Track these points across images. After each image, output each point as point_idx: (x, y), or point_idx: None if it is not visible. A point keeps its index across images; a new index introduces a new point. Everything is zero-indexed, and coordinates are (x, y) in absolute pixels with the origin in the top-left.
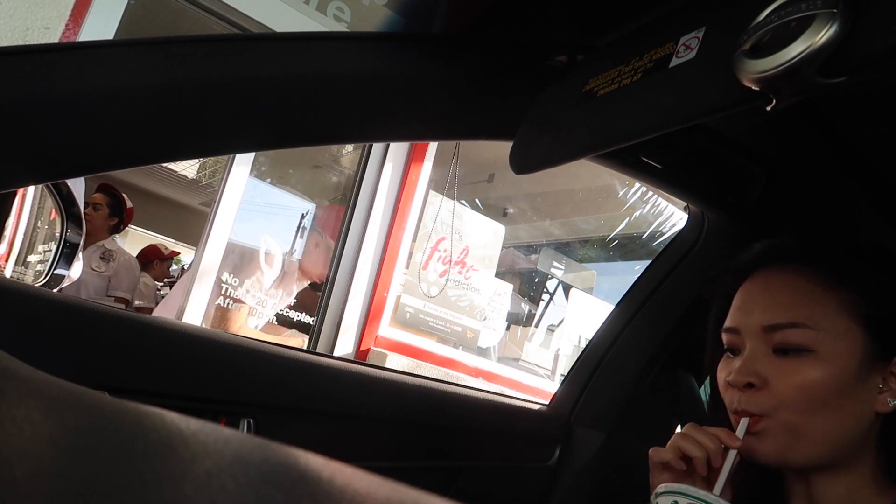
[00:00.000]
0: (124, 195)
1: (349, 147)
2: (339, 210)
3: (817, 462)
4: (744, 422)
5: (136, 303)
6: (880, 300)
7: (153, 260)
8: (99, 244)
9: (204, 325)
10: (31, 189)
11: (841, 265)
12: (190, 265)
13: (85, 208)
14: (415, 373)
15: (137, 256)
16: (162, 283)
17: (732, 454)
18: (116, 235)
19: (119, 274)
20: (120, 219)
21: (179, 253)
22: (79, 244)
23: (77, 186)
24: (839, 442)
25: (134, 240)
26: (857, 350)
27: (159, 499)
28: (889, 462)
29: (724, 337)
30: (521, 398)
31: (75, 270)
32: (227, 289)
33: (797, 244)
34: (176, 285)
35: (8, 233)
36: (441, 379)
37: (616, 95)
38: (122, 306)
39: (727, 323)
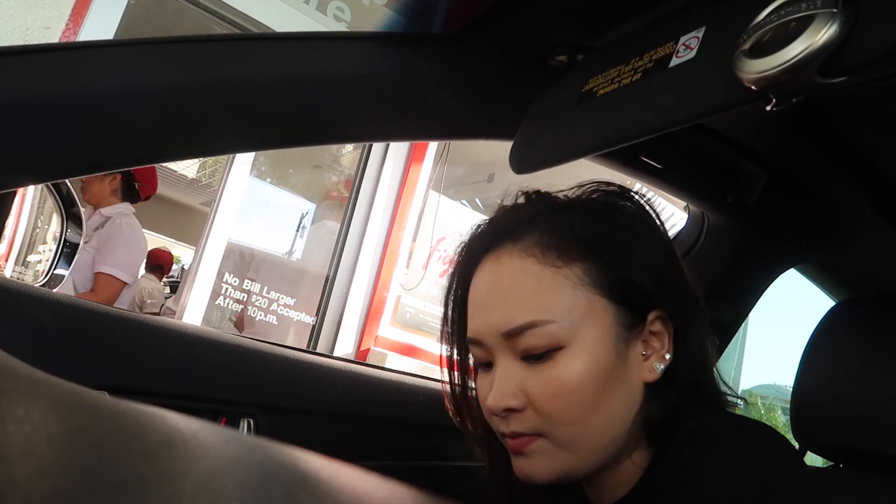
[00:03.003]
0: None
1: (349, 147)
2: None
3: (604, 462)
4: None
5: (148, 300)
6: (612, 260)
7: (166, 266)
8: (98, 212)
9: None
10: (31, 189)
11: (561, 236)
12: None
13: None
14: (415, 373)
15: (149, 257)
16: (162, 283)
17: None
18: (127, 204)
19: (108, 243)
20: (126, 179)
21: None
22: (79, 244)
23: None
24: (617, 434)
25: None
26: (607, 325)
27: (159, 498)
28: (648, 429)
29: (472, 350)
30: None
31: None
32: (227, 289)
33: (511, 217)
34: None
35: (8, 233)
36: (440, 379)
37: (616, 95)
38: (114, 289)
39: (469, 333)
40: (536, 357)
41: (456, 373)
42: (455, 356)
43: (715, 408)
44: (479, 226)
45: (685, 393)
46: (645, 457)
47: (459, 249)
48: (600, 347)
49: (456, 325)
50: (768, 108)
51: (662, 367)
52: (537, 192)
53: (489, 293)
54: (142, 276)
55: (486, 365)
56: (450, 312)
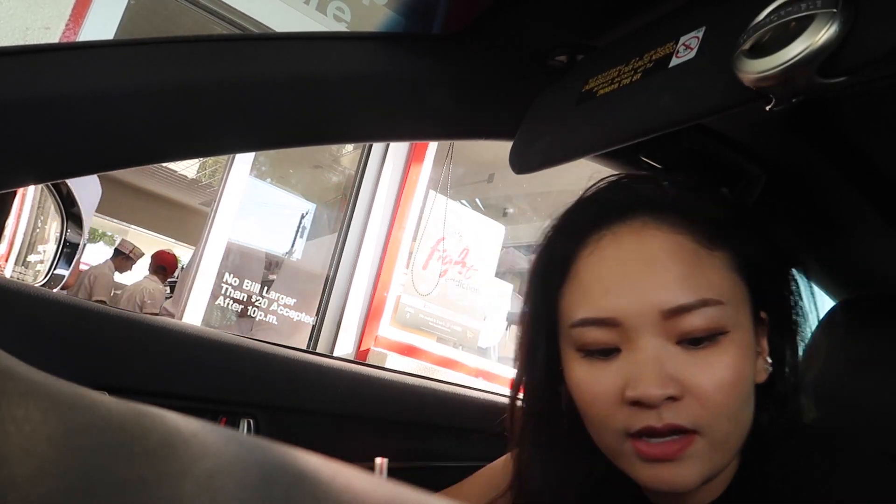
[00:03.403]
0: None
1: (349, 147)
2: None
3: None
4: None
5: (147, 301)
6: (749, 250)
7: (169, 269)
8: None
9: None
10: (31, 189)
11: (700, 217)
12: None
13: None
14: (416, 373)
15: (154, 259)
16: (164, 284)
17: None
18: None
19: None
20: None
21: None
22: (79, 244)
23: (92, 192)
24: (747, 434)
25: (134, 240)
26: (750, 314)
27: (159, 498)
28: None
29: (589, 333)
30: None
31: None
32: (226, 289)
33: (640, 190)
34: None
35: (8, 233)
36: (441, 379)
37: (616, 95)
38: None
39: (592, 312)
40: (694, 341)
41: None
42: (539, 344)
43: (796, 415)
44: (588, 197)
45: (782, 398)
46: (737, 462)
47: (556, 224)
48: (749, 337)
49: (546, 308)
50: (768, 108)
51: (770, 368)
52: (645, 175)
53: (636, 267)
54: (144, 277)
55: (604, 352)
56: (541, 292)
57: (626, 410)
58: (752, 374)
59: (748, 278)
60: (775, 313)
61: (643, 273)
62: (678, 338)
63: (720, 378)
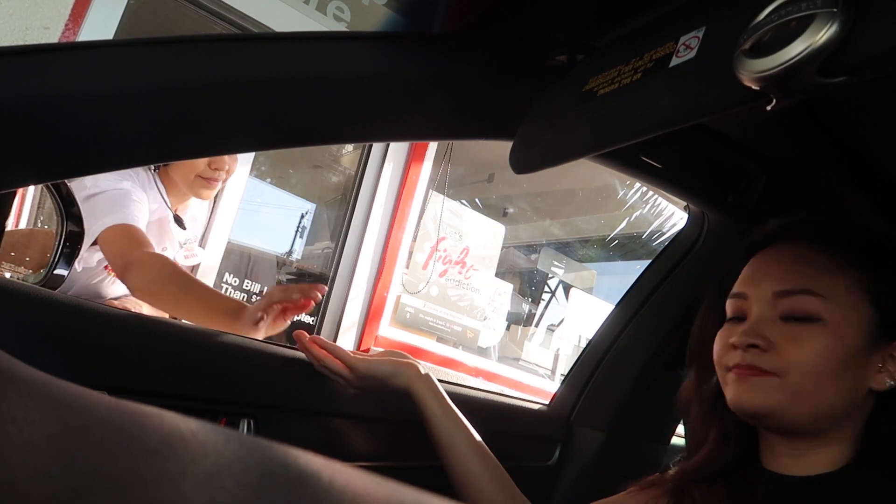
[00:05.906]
0: None
1: (349, 147)
2: None
3: (805, 426)
4: None
5: None
6: (890, 281)
7: None
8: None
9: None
10: (31, 189)
11: (854, 245)
12: None
13: None
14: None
15: None
16: None
17: None
18: None
19: None
20: None
21: None
22: (78, 244)
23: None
24: (831, 411)
25: None
26: (864, 325)
27: (159, 498)
28: (875, 441)
29: (730, 304)
30: (521, 398)
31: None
32: (226, 289)
33: (812, 223)
34: None
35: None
36: (440, 379)
37: (616, 95)
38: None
39: (735, 289)
40: (794, 318)
41: None
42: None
43: None
44: (766, 223)
45: None
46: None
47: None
48: (852, 338)
49: None
50: (768, 107)
51: (892, 383)
52: None
53: (771, 265)
54: None
55: (738, 319)
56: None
57: (729, 353)
58: (845, 362)
59: (877, 299)
60: None
61: (770, 269)
62: (782, 313)
63: (801, 346)
